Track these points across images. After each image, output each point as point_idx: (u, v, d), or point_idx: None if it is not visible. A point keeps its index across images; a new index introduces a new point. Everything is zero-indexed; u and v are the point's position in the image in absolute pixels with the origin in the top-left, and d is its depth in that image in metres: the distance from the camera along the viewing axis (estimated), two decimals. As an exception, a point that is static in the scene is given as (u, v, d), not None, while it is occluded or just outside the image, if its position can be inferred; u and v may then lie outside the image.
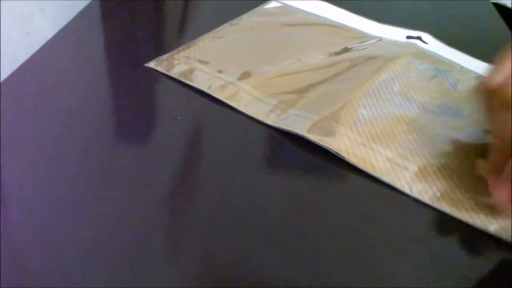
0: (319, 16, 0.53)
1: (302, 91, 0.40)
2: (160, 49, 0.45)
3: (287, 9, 0.54)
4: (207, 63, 0.42)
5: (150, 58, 0.43)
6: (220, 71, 0.41)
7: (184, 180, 0.32)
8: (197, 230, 0.29)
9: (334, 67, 0.44)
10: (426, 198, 0.32)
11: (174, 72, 0.41)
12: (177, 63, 0.42)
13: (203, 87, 0.39)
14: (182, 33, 0.50)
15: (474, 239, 0.30)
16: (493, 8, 0.60)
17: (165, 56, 0.43)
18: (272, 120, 0.37)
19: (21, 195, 0.30)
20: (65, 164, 0.32)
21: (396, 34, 0.51)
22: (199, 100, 0.39)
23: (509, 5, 0.66)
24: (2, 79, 0.40)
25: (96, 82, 0.41)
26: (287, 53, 0.45)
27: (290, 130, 0.35)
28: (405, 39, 0.50)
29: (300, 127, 0.35)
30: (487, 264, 0.29)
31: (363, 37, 0.50)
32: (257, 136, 0.36)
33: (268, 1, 0.54)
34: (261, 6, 0.53)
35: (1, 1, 0.41)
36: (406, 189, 0.32)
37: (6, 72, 0.40)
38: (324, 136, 0.35)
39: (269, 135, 0.36)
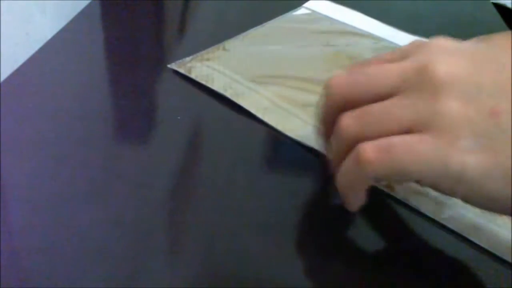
0: (348, 25, 0.51)
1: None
2: (160, 49, 0.45)
3: (316, 17, 0.52)
4: (229, 68, 0.41)
5: (150, 58, 0.43)
6: (242, 76, 0.41)
7: (184, 180, 0.32)
8: (197, 230, 0.29)
9: None
10: None
11: (195, 75, 0.40)
12: (199, 66, 0.42)
13: (223, 91, 0.39)
14: (182, 33, 0.50)
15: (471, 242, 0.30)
16: (493, 8, 0.60)
17: (188, 58, 0.43)
18: (289, 130, 0.36)
19: (21, 195, 0.30)
20: (65, 164, 0.32)
21: None
22: (199, 100, 0.39)
23: (509, 5, 0.66)
24: (2, 79, 0.40)
25: (96, 82, 0.41)
26: (312, 61, 0.44)
27: (302, 141, 0.35)
28: None
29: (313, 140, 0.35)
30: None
31: (392, 48, 0.48)
32: (257, 135, 0.36)
33: (298, 8, 0.54)
34: (290, 12, 0.52)
35: (1, 1, 0.41)
36: None
37: (6, 72, 0.40)
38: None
39: (270, 134, 0.36)
